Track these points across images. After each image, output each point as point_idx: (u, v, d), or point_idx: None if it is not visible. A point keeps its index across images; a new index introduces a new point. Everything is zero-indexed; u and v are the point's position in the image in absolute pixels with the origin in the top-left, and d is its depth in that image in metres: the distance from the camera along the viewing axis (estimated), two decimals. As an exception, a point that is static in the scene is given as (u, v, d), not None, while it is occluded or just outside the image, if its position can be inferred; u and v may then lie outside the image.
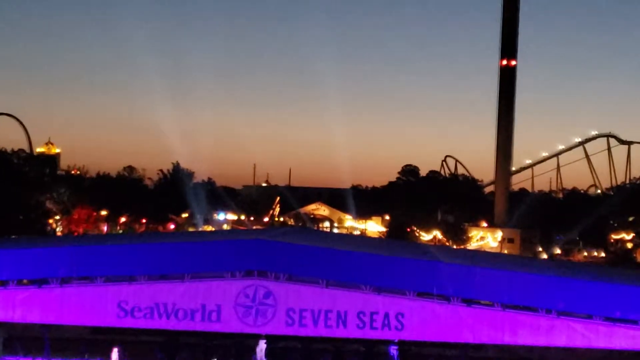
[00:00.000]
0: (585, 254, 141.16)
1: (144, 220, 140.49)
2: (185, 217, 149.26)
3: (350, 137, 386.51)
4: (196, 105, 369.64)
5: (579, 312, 46.99)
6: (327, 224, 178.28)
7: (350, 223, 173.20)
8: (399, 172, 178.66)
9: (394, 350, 48.35)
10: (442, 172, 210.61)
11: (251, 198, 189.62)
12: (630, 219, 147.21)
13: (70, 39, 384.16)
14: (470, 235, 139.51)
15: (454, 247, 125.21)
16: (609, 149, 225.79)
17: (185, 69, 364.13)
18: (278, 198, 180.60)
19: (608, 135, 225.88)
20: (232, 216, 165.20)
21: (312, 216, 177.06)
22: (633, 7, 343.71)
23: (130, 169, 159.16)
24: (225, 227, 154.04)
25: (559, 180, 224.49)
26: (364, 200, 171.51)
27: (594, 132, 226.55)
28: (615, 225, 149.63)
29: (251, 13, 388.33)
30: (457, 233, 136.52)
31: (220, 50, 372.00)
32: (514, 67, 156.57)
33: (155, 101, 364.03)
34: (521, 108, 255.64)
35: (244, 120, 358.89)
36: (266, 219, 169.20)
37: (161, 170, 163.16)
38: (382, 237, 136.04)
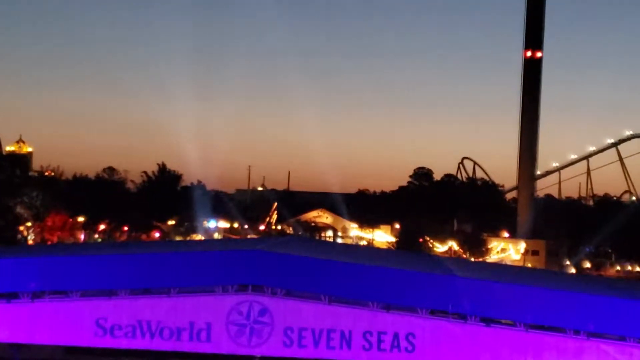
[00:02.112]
0: (618, 268, 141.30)
1: (125, 228, 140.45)
2: (172, 225, 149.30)
3: (357, 137, 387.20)
4: (184, 102, 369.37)
5: (611, 333, 46.92)
6: (330, 233, 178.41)
7: (356, 232, 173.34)
8: (410, 176, 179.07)
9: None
10: (459, 176, 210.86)
11: (245, 204, 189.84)
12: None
13: (42, 30, 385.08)
14: (489, 246, 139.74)
15: (472, 259, 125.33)
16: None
17: (171, 63, 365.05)
18: (275, 204, 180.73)
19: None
20: (224, 224, 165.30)
21: (313, 224, 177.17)
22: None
23: (111, 170, 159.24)
24: (216, 235, 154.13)
25: (589, 186, 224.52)
26: (371, 207, 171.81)
27: (628, 132, 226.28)
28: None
29: (247, 7, 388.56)
30: (475, 244, 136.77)
31: (209, 44, 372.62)
32: (540, 60, 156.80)
33: (138, 97, 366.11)
34: (547, 105, 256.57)
35: (238, 118, 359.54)
36: (262, 227, 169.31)
37: (145, 172, 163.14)
38: (392, 248, 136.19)
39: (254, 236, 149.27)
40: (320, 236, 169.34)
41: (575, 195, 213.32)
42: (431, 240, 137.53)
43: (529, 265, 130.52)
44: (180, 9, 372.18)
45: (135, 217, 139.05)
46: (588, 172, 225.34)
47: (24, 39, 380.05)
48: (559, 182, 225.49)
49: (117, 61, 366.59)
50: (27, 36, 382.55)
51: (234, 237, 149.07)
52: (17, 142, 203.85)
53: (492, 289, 48.13)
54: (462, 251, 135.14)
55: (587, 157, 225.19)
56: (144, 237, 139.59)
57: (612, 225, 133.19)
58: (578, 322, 46.63)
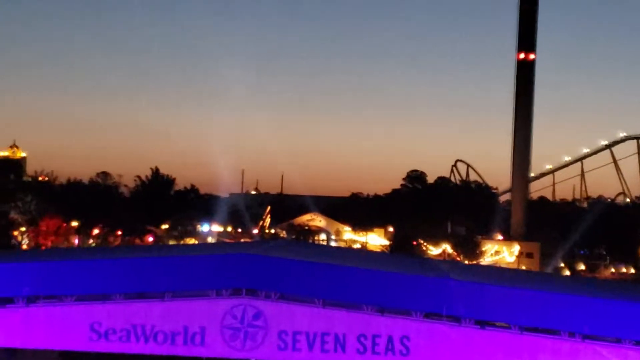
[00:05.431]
0: (613, 270, 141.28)
1: (119, 232, 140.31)
2: (166, 229, 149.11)
3: (350, 140, 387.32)
4: (177, 107, 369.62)
5: (606, 335, 46.85)
6: (323, 236, 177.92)
7: (350, 235, 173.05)
8: (403, 179, 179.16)
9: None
10: (452, 178, 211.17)
11: (239, 207, 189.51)
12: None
13: (36, 34, 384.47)
14: (483, 249, 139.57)
15: (466, 262, 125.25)
16: (639, 152, 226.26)
17: (165, 68, 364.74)
18: (269, 207, 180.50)
19: (638, 138, 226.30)
20: (217, 227, 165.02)
21: (306, 228, 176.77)
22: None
23: (105, 175, 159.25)
24: (209, 239, 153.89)
25: (583, 188, 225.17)
26: (364, 210, 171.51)
27: (622, 134, 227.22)
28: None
29: (237, 13, 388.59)
30: (469, 247, 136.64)
31: (201, 48, 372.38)
32: (533, 62, 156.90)
33: (132, 101, 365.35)
34: (541, 107, 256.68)
35: (231, 121, 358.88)
36: (256, 231, 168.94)
37: (139, 177, 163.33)
38: (385, 251, 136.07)
39: (248, 240, 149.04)
40: (313, 239, 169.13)
41: (569, 198, 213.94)
42: (425, 243, 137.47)
43: (523, 267, 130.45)
44: (173, 13, 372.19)
45: (129, 222, 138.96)
46: (582, 174, 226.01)
47: (18, 43, 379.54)
48: (553, 184, 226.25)
49: (111, 66, 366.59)
50: (21, 40, 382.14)
51: (227, 240, 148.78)
52: (11, 147, 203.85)
53: (487, 292, 48.06)
54: (456, 254, 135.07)
55: (581, 159, 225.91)
56: (137, 241, 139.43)
57: (607, 227, 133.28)
58: (573, 324, 46.57)
